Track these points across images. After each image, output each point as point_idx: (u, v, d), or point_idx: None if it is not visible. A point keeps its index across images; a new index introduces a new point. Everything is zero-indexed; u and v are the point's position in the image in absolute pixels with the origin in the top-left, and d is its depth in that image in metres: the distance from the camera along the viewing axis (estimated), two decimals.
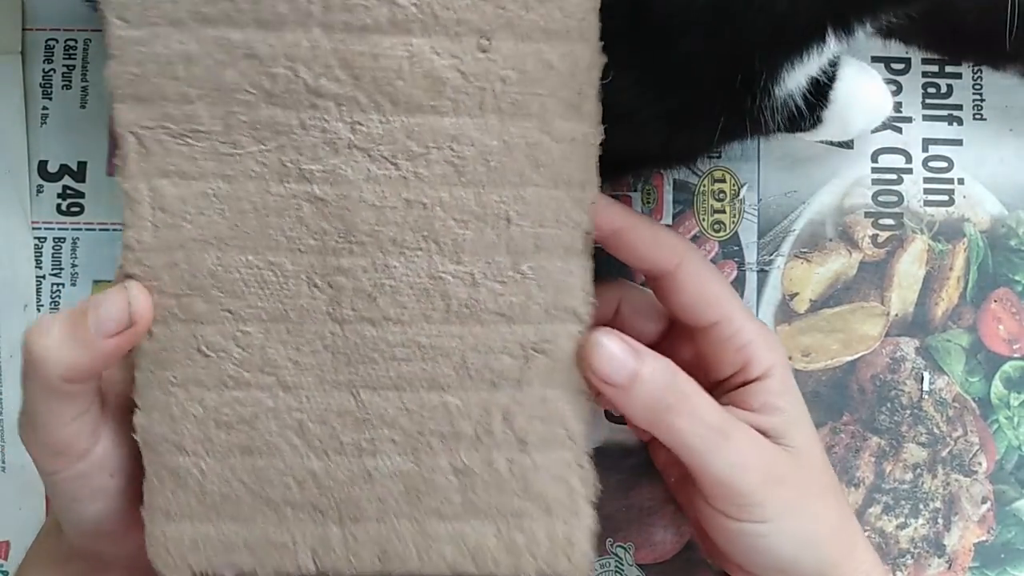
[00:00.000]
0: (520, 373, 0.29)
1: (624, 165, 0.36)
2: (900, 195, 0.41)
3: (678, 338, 0.35)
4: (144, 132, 0.27)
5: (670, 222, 0.41)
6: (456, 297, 0.29)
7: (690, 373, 0.31)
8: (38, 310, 0.40)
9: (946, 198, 0.42)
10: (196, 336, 0.29)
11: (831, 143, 0.42)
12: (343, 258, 0.28)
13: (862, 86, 0.37)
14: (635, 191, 0.41)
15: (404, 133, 0.28)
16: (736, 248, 0.41)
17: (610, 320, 0.34)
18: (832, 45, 0.29)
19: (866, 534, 0.39)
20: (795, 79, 0.31)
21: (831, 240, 0.41)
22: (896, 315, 0.41)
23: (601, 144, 0.29)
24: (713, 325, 0.32)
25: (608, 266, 0.32)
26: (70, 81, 0.41)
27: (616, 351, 0.29)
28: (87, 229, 0.41)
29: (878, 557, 0.34)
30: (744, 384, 0.33)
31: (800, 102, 0.32)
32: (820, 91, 0.34)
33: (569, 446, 0.30)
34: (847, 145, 0.42)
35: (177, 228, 0.28)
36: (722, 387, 0.33)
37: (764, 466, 0.31)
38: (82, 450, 0.29)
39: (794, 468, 0.31)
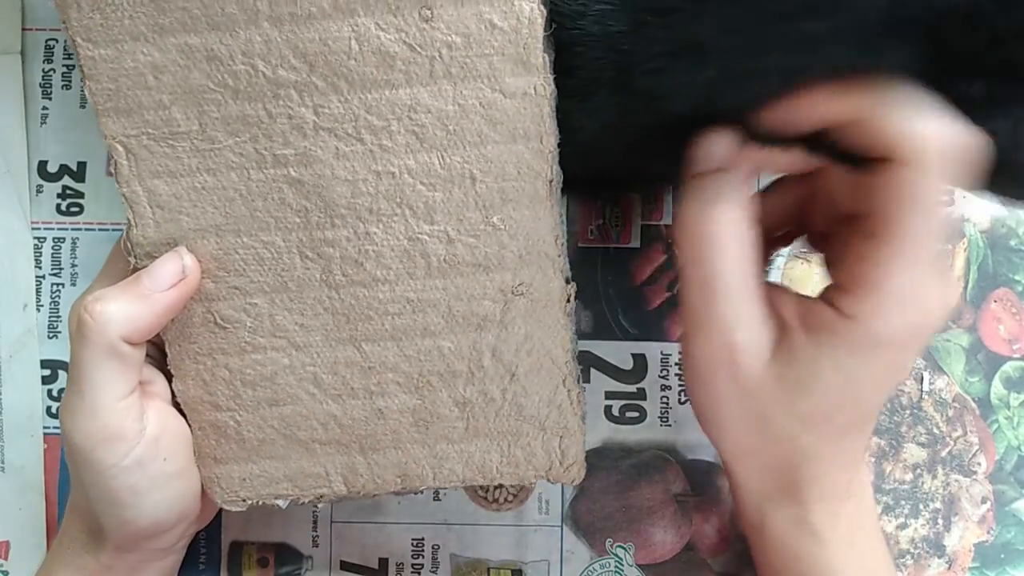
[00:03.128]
0: (502, 315, 0.32)
1: (599, 187, 0.37)
2: None
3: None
4: (130, 140, 0.30)
5: (670, 222, 0.41)
6: (435, 254, 0.31)
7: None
8: (38, 310, 0.40)
9: (946, 198, 0.40)
10: (211, 312, 0.32)
11: None
12: (327, 231, 0.31)
13: None
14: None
15: (364, 109, 0.29)
16: None
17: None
18: None
19: None
20: None
21: None
22: None
23: (575, 169, 0.30)
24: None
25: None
26: (70, 81, 0.40)
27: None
28: (87, 229, 0.41)
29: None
30: (830, 302, 0.30)
31: None
32: None
33: (555, 372, 0.33)
34: None
35: (176, 221, 0.31)
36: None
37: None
38: (136, 431, 0.30)
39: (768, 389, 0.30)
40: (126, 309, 0.30)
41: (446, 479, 0.34)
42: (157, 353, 0.34)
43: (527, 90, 0.29)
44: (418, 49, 0.29)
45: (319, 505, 0.35)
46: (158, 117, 0.30)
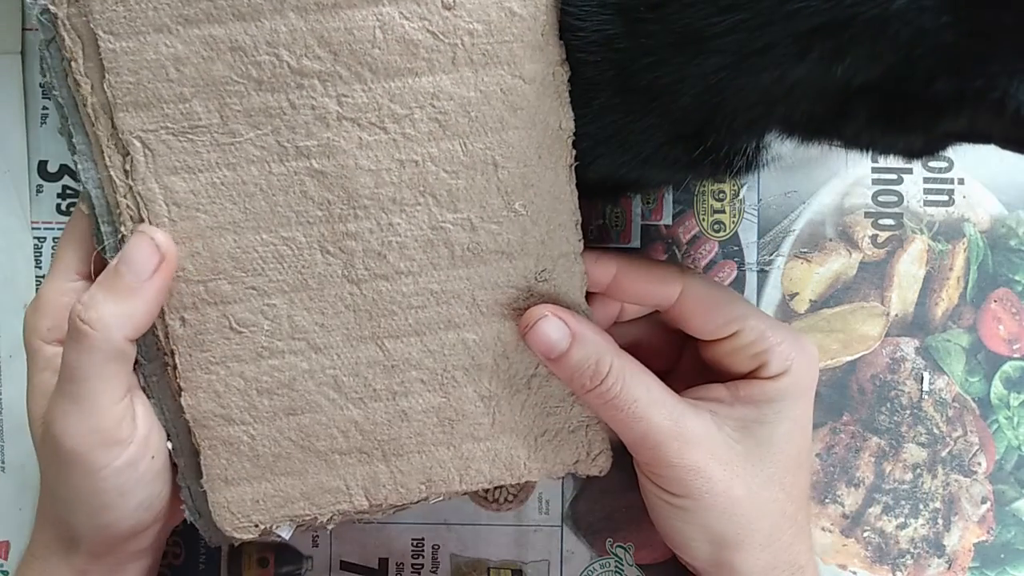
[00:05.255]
0: (527, 302, 0.32)
1: (601, 192, 0.37)
2: (900, 195, 0.41)
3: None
4: (148, 135, 0.29)
5: (670, 222, 0.40)
6: (458, 243, 0.31)
7: (708, 368, 0.34)
8: None
9: (946, 198, 0.41)
10: (226, 316, 0.31)
11: None
12: (349, 223, 0.31)
13: None
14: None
15: (387, 98, 0.30)
16: (736, 248, 0.40)
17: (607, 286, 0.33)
18: None
19: (866, 534, 0.40)
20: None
21: (831, 240, 0.41)
22: (896, 315, 0.41)
23: (578, 175, 0.31)
24: (731, 336, 0.33)
25: None
26: None
27: (549, 331, 0.31)
28: None
29: None
30: (755, 377, 0.33)
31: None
32: None
33: None
34: None
35: (193, 219, 0.30)
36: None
37: (696, 446, 0.31)
38: (129, 434, 0.30)
39: (737, 463, 0.32)
40: (120, 309, 0.29)
41: (473, 481, 0.33)
42: None
43: (546, 76, 0.30)
44: (441, 37, 0.30)
45: (330, 526, 0.33)
46: (178, 111, 0.29)
